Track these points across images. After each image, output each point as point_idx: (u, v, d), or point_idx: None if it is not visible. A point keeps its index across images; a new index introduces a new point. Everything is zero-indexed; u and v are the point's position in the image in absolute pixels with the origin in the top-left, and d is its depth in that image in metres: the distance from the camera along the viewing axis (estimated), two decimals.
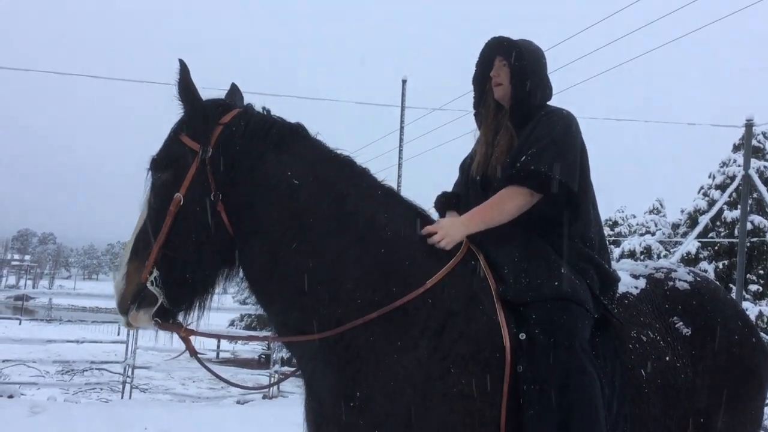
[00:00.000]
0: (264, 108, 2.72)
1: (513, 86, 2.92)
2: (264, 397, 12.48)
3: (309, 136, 2.69)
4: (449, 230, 2.64)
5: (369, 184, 2.68)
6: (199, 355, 2.68)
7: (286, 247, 2.47)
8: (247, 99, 2.87)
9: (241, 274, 2.62)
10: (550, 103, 3.01)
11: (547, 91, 2.99)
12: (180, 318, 2.57)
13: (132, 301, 2.48)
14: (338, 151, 2.70)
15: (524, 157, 2.72)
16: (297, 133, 2.66)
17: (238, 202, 2.50)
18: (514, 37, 3.00)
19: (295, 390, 15.57)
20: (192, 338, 2.64)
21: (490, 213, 2.72)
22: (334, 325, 2.41)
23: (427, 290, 2.47)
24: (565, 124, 2.82)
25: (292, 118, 2.73)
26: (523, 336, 2.44)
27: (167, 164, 2.55)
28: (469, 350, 2.39)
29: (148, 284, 2.45)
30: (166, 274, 2.46)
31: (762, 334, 3.35)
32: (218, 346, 31.75)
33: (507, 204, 2.71)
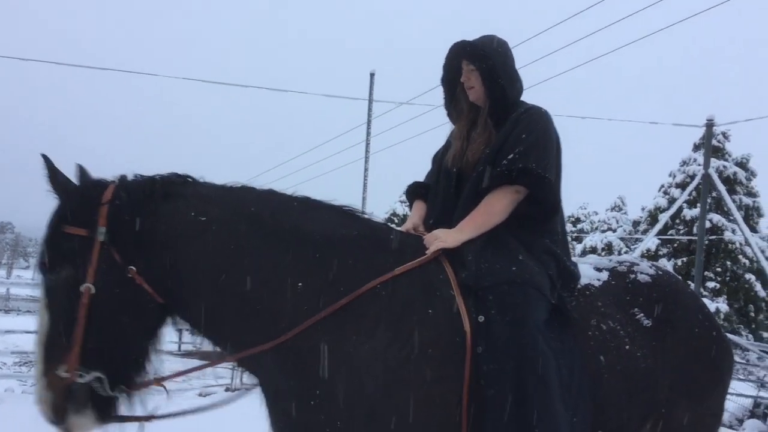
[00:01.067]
0: (136, 174, 2.65)
1: (487, 87, 2.97)
2: (227, 390, 12.42)
3: (194, 179, 2.68)
4: (443, 236, 2.71)
5: (280, 199, 2.69)
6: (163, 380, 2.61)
7: (215, 282, 2.47)
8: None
9: (184, 326, 2.62)
10: (523, 98, 3.07)
11: (518, 84, 3.05)
12: (126, 397, 2.49)
13: (65, 407, 2.38)
14: (231, 184, 2.70)
15: (511, 155, 2.78)
16: (180, 180, 2.64)
17: (155, 265, 2.46)
18: (478, 34, 3.05)
19: (258, 383, 15.48)
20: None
21: (481, 217, 2.78)
22: (287, 332, 2.42)
23: (381, 282, 2.50)
24: (545, 123, 2.90)
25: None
26: (481, 318, 2.51)
27: (61, 261, 2.45)
28: (429, 336, 2.44)
29: (81, 380, 2.36)
30: (97, 365, 2.38)
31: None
32: (180, 339, 31.42)
33: (495, 205, 2.78)
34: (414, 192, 3.26)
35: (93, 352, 2.38)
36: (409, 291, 2.51)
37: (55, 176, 2.52)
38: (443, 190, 3.04)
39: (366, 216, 2.82)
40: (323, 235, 2.58)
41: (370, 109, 20.06)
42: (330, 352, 2.39)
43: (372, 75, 20.09)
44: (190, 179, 2.66)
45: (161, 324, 2.56)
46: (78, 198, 2.52)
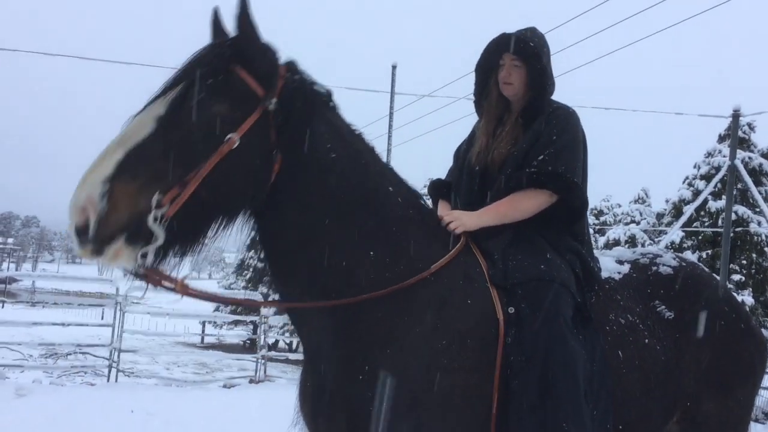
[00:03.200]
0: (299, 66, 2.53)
1: (532, 89, 2.94)
2: (251, 382, 12.50)
3: (336, 106, 2.60)
4: (463, 218, 2.73)
5: (381, 161, 2.68)
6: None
7: (319, 221, 2.40)
8: None
9: (251, 235, 2.46)
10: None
11: (554, 86, 3.02)
12: (161, 266, 2.22)
13: (120, 231, 2.04)
14: (353, 125, 2.64)
15: (541, 157, 2.78)
16: (328, 102, 2.55)
17: (286, 165, 2.33)
18: (499, 25, 3.02)
19: (281, 375, 15.61)
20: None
21: (504, 207, 2.79)
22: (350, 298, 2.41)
23: (435, 270, 2.51)
24: (575, 125, 2.90)
25: None
26: (511, 310, 2.53)
27: (223, 96, 2.24)
28: (467, 326, 2.46)
29: (150, 219, 2.06)
30: (180, 214, 2.10)
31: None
32: (203, 331, 31.74)
33: (522, 202, 2.78)
34: (437, 190, 3.25)
35: (186, 202, 2.11)
36: (451, 280, 2.54)
37: (247, 20, 2.30)
38: (466, 188, 3.03)
39: (424, 201, 2.82)
40: (402, 208, 2.59)
41: (392, 102, 20.02)
42: (383, 330, 2.41)
43: (394, 67, 20.05)
44: (334, 104, 2.57)
45: (237, 219, 2.38)
46: (264, 55, 2.35)
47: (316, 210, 2.39)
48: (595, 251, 3.14)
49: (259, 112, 2.27)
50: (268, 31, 2.38)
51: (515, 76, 2.95)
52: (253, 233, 2.48)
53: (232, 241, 2.46)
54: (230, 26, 2.38)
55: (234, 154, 2.19)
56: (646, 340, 2.84)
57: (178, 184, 2.11)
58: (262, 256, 2.52)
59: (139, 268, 2.14)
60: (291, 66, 2.45)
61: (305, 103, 2.39)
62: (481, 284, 2.59)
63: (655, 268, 3.12)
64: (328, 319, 2.44)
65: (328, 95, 2.55)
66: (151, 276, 2.21)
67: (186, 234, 2.21)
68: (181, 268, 2.30)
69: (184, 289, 2.29)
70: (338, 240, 2.42)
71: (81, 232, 2.04)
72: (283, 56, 2.46)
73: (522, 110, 2.97)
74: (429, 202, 3.09)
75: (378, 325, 2.41)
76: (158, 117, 2.16)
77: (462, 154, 3.17)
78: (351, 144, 2.54)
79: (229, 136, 2.19)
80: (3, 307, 32.75)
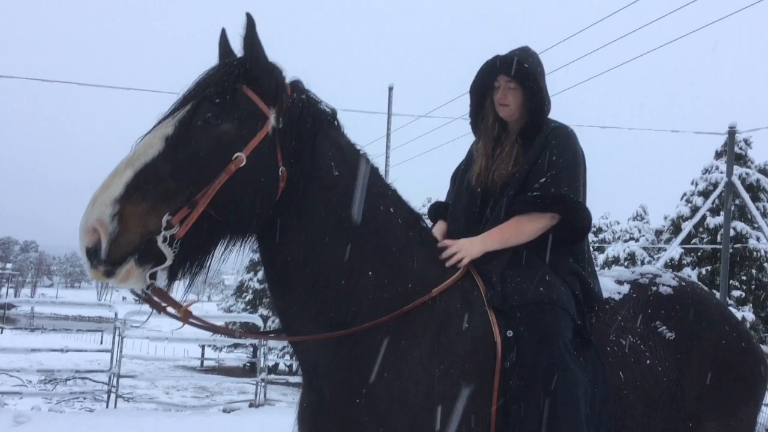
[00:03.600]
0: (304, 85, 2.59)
1: (529, 110, 2.93)
2: (251, 406, 12.40)
3: (340, 125, 2.63)
4: (467, 247, 2.70)
5: (383, 182, 2.68)
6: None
7: (320, 238, 2.40)
8: None
9: (251, 247, 2.48)
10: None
11: (550, 105, 3.01)
12: (170, 286, 2.25)
13: (131, 252, 2.08)
14: (356, 144, 2.66)
15: (543, 179, 2.77)
16: (333, 121, 2.58)
17: (291, 182, 2.36)
18: (513, 45, 3.01)
19: (282, 398, 15.54)
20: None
21: (508, 232, 2.78)
22: (350, 319, 2.41)
23: (434, 294, 2.50)
24: (573, 144, 2.89)
25: None
26: (510, 333, 2.51)
27: (230, 115, 2.28)
28: (465, 350, 2.44)
29: (160, 240, 2.09)
30: (190, 233, 2.13)
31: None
32: (203, 354, 31.58)
33: (526, 226, 2.77)
34: (437, 213, 3.25)
35: (195, 223, 2.14)
36: (449, 304, 2.53)
37: (252, 40, 2.35)
38: (466, 209, 3.01)
39: (424, 224, 2.82)
40: (403, 229, 2.59)
41: (389, 123, 20.10)
42: (381, 352, 2.39)
43: (390, 89, 20.14)
44: (339, 123, 2.61)
45: (245, 237, 2.40)
46: (270, 74, 2.39)
47: (318, 227, 2.40)
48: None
49: (266, 131, 2.31)
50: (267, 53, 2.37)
51: (511, 98, 2.94)
52: (252, 253, 2.51)
53: (232, 262, 2.48)
54: (237, 47, 2.44)
55: (242, 173, 2.22)
56: (648, 361, 2.83)
57: (188, 204, 2.14)
58: (261, 275, 2.54)
59: (149, 289, 2.15)
60: (297, 85, 2.51)
61: (311, 122, 2.43)
62: (479, 307, 2.57)
63: (654, 288, 3.11)
64: (327, 340, 2.43)
65: (333, 114, 2.58)
66: (158, 299, 2.21)
67: (195, 253, 2.25)
68: (188, 292, 2.33)
69: (186, 316, 2.30)
70: (337, 258, 2.42)
71: (92, 253, 2.07)
72: (289, 76, 2.51)
73: (520, 131, 2.97)
74: (429, 224, 3.09)
75: (376, 347, 2.40)
76: (166, 136, 2.20)
77: (460, 175, 3.17)
78: (354, 163, 2.54)
79: (236, 154, 2.23)
80: (2, 332, 32.64)
